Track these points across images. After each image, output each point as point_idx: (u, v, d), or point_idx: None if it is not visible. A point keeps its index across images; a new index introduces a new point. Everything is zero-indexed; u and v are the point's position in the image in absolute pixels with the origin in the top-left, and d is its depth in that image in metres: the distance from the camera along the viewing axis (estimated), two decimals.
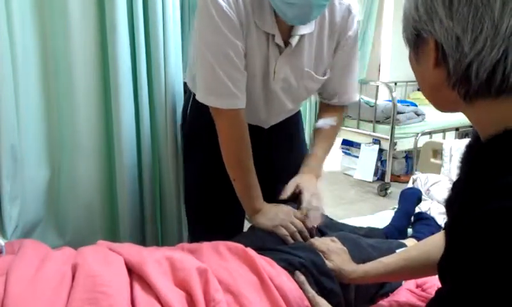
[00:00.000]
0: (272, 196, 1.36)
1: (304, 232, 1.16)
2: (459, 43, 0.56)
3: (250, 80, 1.18)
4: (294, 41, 1.17)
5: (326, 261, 1.02)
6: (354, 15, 1.24)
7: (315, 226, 1.20)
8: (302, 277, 0.94)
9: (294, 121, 1.45)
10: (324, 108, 1.40)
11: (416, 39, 0.62)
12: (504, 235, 0.48)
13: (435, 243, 0.93)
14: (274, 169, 1.45)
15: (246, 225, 1.51)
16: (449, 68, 0.59)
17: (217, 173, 1.34)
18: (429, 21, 0.59)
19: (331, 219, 1.30)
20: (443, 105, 0.67)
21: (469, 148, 0.71)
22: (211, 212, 1.38)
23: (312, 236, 1.17)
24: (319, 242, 1.09)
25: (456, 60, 0.57)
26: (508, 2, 0.53)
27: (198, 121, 1.37)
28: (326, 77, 1.28)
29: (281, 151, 1.44)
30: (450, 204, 0.70)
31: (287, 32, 1.17)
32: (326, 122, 1.34)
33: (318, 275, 0.97)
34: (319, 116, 1.41)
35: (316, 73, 1.25)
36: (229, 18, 1.08)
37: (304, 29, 1.17)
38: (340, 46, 1.26)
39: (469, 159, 0.70)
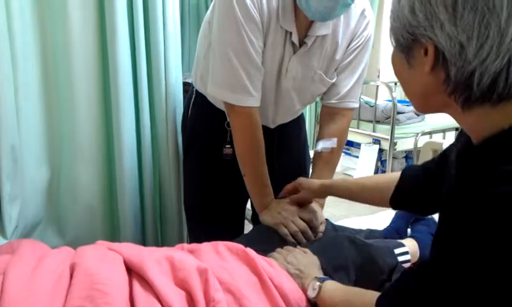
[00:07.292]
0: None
1: (308, 232, 1.16)
2: (462, 50, 0.54)
3: (263, 76, 1.18)
4: (310, 41, 1.17)
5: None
6: (369, 19, 1.24)
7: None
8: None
9: (297, 124, 1.45)
10: (326, 116, 1.34)
11: (410, 43, 0.60)
12: (506, 219, 0.49)
13: (390, 180, 1.00)
14: (274, 173, 1.46)
15: (247, 225, 1.51)
16: (449, 75, 0.57)
17: (217, 173, 1.34)
18: (429, 27, 0.56)
19: (332, 224, 1.30)
20: (427, 109, 0.66)
21: (460, 152, 0.69)
22: (211, 213, 1.37)
23: (316, 237, 1.17)
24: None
25: (459, 67, 0.55)
26: None
27: (199, 121, 1.37)
28: (334, 80, 1.28)
29: (282, 155, 1.42)
30: (439, 200, 0.71)
31: (304, 32, 1.17)
32: (325, 145, 1.28)
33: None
34: (319, 134, 1.34)
35: (326, 76, 1.26)
36: (252, 18, 1.09)
37: (321, 30, 1.17)
38: (350, 46, 1.25)
39: (462, 162, 0.68)
